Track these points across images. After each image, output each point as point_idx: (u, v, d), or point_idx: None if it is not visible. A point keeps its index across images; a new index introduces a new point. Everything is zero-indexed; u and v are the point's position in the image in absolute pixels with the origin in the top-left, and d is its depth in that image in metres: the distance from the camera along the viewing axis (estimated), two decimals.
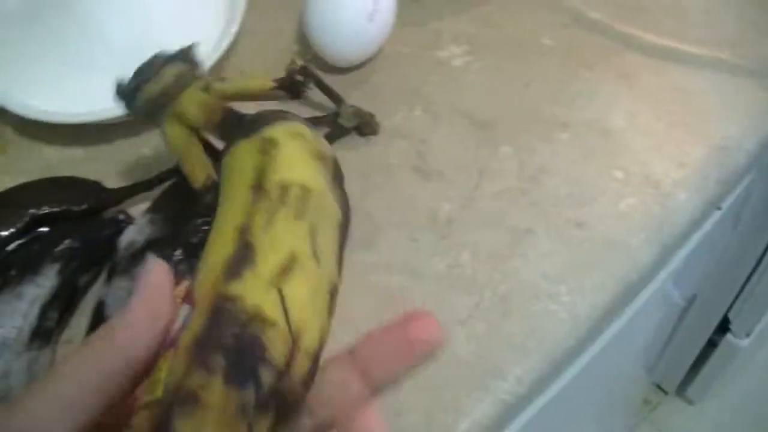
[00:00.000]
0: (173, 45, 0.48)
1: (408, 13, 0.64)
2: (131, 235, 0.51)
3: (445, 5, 0.66)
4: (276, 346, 0.29)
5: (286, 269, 0.31)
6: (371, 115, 0.58)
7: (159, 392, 0.29)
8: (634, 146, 0.58)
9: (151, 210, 0.53)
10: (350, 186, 0.55)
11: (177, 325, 0.31)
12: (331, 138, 0.57)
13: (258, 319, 0.29)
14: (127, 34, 0.62)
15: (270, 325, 0.29)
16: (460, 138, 0.58)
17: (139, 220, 0.52)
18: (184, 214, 0.52)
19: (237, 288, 0.30)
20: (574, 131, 0.59)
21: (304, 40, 0.63)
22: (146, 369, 0.31)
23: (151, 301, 0.31)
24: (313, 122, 0.57)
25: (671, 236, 0.55)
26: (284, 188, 0.34)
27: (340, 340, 0.48)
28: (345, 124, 0.58)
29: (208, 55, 0.60)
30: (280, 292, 0.30)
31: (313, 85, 0.58)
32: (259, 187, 0.35)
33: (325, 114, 0.59)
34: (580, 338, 0.51)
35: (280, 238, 0.33)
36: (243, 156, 0.37)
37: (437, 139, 0.58)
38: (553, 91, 0.61)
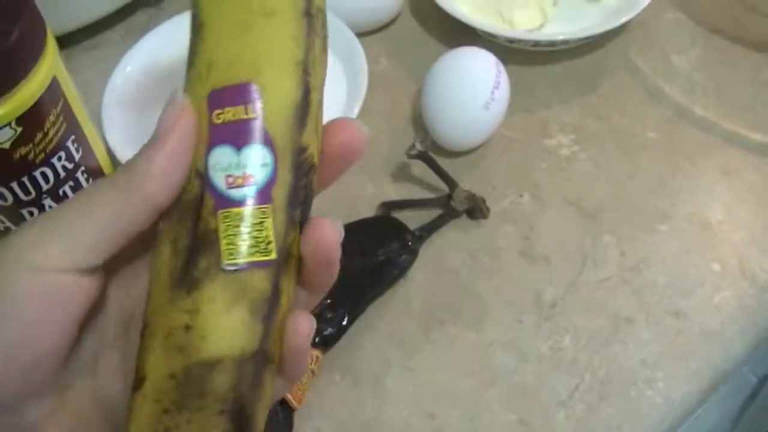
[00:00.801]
0: None
1: (519, 101, 0.68)
2: None
3: (553, 95, 0.70)
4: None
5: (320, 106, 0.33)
6: (482, 200, 0.62)
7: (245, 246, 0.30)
8: (731, 239, 0.61)
9: None
10: (460, 266, 0.59)
11: (255, 171, 0.31)
12: (443, 220, 0.61)
13: (314, 168, 0.32)
14: None
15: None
16: (565, 225, 0.62)
17: None
18: None
19: (305, 138, 0.31)
20: (674, 223, 0.62)
21: (418, 121, 0.68)
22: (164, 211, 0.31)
23: (178, 145, 0.31)
24: (427, 204, 0.61)
25: (765, 328, 0.57)
26: (322, 11, 0.33)
27: (447, 415, 0.52)
28: (457, 207, 0.61)
29: None
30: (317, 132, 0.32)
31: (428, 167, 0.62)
32: (308, 14, 0.32)
33: (439, 196, 0.63)
34: (673, 423, 0.54)
35: (322, 76, 0.33)
36: None
37: (543, 225, 0.62)
38: (656, 183, 0.64)
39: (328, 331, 0.55)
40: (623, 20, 0.70)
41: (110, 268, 0.33)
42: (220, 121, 0.31)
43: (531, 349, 0.56)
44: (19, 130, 0.48)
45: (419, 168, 0.64)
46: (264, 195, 0.30)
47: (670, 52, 0.73)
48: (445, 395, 0.54)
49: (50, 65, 0.50)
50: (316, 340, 0.54)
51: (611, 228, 0.62)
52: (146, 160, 0.30)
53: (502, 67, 0.65)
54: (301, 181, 0.31)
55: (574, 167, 0.65)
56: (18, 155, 0.49)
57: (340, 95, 0.68)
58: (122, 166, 0.31)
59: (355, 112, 0.65)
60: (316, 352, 0.54)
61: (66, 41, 0.75)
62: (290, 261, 0.31)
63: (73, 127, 0.53)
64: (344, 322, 0.56)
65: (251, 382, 0.30)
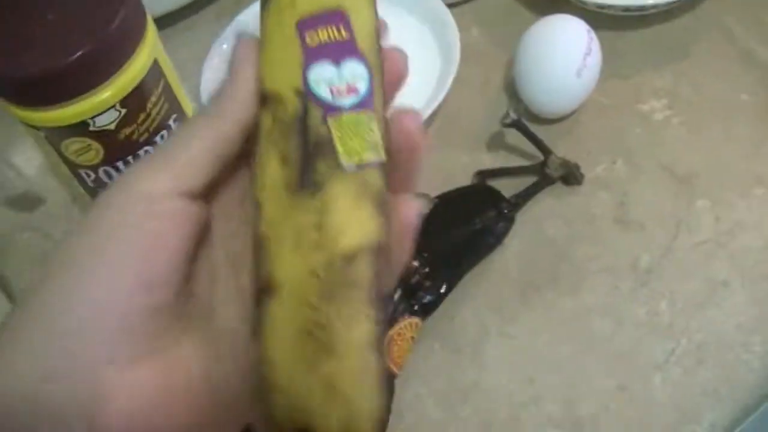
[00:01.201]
0: None
1: (611, 66, 0.68)
2: None
3: (645, 60, 0.71)
4: None
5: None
6: (576, 166, 0.63)
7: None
8: None
9: None
10: (556, 233, 0.61)
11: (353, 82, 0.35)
12: (538, 187, 0.62)
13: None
14: None
15: None
16: (659, 190, 0.62)
17: None
18: None
19: (382, 58, 0.36)
20: None
21: (511, 90, 0.69)
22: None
23: (251, 70, 0.36)
24: (522, 171, 0.63)
25: None
26: None
27: (545, 380, 0.54)
28: (552, 174, 0.63)
29: (427, 103, 0.66)
30: None
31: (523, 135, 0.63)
32: None
33: (533, 163, 0.64)
34: None
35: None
36: None
37: (637, 191, 0.63)
38: (750, 147, 0.64)
39: (427, 299, 0.57)
40: None
41: (213, 201, 0.36)
42: (315, 43, 0.35)
43: (628, 314, 0.57)
44: (123, 111, 0.51)
45: (513, 136, 0.65)
46: (368, 102, 0.34)
47: (762, 12, 0.73)
48: (543, 361, 0.56)
49: (150, 48, 0.53)
50: (415, 307, 0.56)
51: (705, 193, 0.62)
52: (229, 86, 0.35)
53: (593, 34, 0.66)
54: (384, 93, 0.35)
55: (668, 132, 0.66)
56: (123, 135, 0.52)
57: (434, 67, 0.70)
58: (210, 98, 0.35)
59: (449, 83, 0.67)
60: (415, 320, 0.56)
61: (162, 23, 0.77)
62: (389, 160, 0.34)
63: (174, 106, 0.56)
64: (443, 290, 0.58)
65: (386, 269, 0.33)
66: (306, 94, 0.34)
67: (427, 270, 0.58)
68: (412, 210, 0.35)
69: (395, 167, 0.35)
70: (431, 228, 0.59)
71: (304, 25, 0.35)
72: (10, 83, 0.50)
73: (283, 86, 0.35)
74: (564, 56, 0.64)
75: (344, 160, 0.33)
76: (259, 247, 0.33)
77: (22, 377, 0.31)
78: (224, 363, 0.35)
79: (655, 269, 0.59)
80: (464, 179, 0.65)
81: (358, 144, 0.33)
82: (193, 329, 0.35)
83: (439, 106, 0.67)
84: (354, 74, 0.34)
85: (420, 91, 0.68)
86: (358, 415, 0.31)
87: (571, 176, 0.63)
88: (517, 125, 0.63)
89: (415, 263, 0.58)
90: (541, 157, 0.64)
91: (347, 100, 0.34)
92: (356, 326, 0.31)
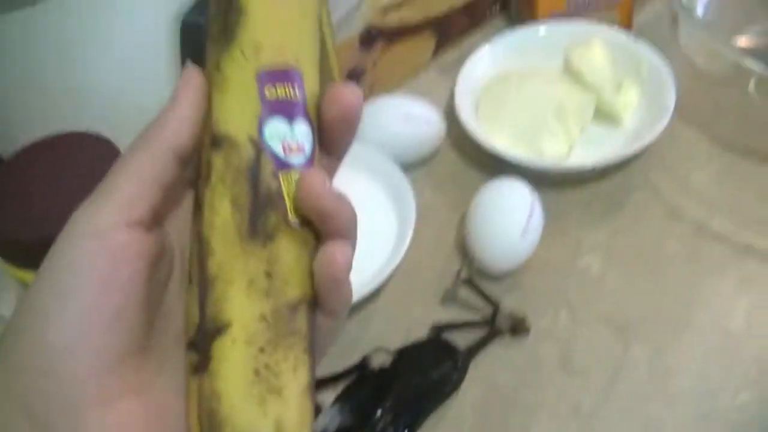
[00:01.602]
0: None
1: (553, 224, 0.75)
2: (323, 423, 0.63)
3: (583, 218, 0.78)
4: None
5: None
6: (523, 319, 0.69)
7: None
8: (751, 344, 0.67)
9: (339, 400, 0.65)
10: (505, 381, 0.66)
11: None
12: (488, 339, 0.68)
13: None
14: None
15: None
16: (599, 338, 0.69)
17: (328, 409, 0.64)
18: (367, 405, 0.63)
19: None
20: (698, 332, 0.68)
21: (463, 248, 0.76)
22: (190, 160, 0.37)
23: (191, 96, 0.36)
24: (474, 324, 0.69)
25: None
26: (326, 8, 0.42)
27: None
28: (501, 327, 0.69)
29: (386, 262, 0.73)
30: None
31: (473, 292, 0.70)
32: (320, 20, 0.41)
33: (484, 317, 0.70)
34: None
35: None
36: None
37: (579, 339, 0.69)
38: (680, 295, 0.71)
39: None
40: (644, 144, 0.78)
41: (168, 227, 0.37)
42: (272, 97, 0.37)
43: None
44: None
45: (465, 291, 0.71)
46: (312, 162, 0.37)
47: (688, 170, 0.81)
48: None
49: None
50: None
51: (641, 339, 0.68)
52: (164, 113, 0.37)
53: (536, 196, 0.73)
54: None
55: (605, 284, 0.73)
56: None
57: (391, 228, 0.77)
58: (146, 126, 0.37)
59: (406, 242, 0.73)
60: None
61: None
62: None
63: None
64: None
65: (314, 322, 0.37)
66: (260, 145, 0.36)
67: (390, 417, 0.63)
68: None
69: (331, 130, 0.38)
70: (393, 379, 0.65)
71: (264, 77, 0.37)
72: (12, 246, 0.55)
73: (239, 132, 0.36)
74: (509, 219, 0.71)
75: (291, 216, 0.36)
76: (205, 285, 0.35)
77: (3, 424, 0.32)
78: None
79: (596, 412, 0.64)
80: (421, 332, 0.70)
81: None
82: (165, 361, 0.36)
83: (398, 264, 0.73)
84: (302, 134, 0.37)
85: (379, 251, 0.75)
86: None
87: (518, 328, 0.69)
88: (468, 283, 0.69)
89: (379, 411, 0.63)
90: (490, 310, 0.70)
91: (296, 159, 0.37)
92: (300, 372, 0.35)
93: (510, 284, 0.73)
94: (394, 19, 0.87)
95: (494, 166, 0.81)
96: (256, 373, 0.34)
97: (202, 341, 0.35)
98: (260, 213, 0.36)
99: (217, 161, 0.36)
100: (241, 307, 0.35)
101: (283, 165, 0.37)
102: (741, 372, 0.66)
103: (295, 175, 0.36)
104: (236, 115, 0.37)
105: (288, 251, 0.36)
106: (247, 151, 0.36)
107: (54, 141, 0.62)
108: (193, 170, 0.38)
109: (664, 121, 0.79)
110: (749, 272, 0.72)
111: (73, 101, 0.77)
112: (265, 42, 0.38)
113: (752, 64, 0.76)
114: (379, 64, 0.88)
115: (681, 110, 0.83)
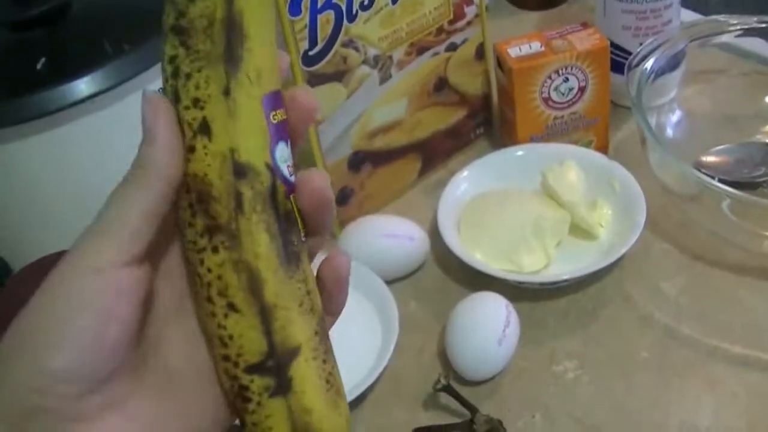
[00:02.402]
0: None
1: (529, 333, 0.79)
2: None
3: (559, 326, 0.82)
4: None
5: None
6: (500, 422, 0.73)
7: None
8: None
9: None
10: None
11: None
12: None
13: None
14: None
15: None
16: None
17: None
18: None
19: None
20: (667, 431, 0.72)
21: (443, 357, 0.80)
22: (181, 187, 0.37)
23: (166, 124, 0.37)
24: (453, 428, 0.72)
25: None
26: None
27: None
28: (478, 430, 0.72)
29: (371, 369, 0.77)
30: None
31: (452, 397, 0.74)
32: None
33: (462, 421, 0.74)
34: None
35: None
36: None
37: None
38: (650, 397, 0.74)
39: None
40: (616, 257, 0.83)
41: (153, 264, 0.39)
42: (276, 121, 0.39)
43: None
44: None
45: (445, 397, 0.75)
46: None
47: (658, 279, 0.85)
48: None
49: None
50: None
51: None
52: (146, 147, 0.37)
53: (512, 308, 0.77)
54: None
55: (578, 389, 0.76)
56: None
57: (376, 338, 0.81)
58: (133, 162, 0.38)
59: (390, 350, 0.78)
60: None
61: None
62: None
63: None
64: None
65: None
66: (274, 171, 0.38)
67: None
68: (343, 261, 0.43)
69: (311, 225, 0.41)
70: None
71: (266, 102, 0.39)
72: None
73: (257, 160, 0.38)
74: (486, 329, 0.76)
75: (303, 234, 0.41)
76: (266, 313, 0.38)
77: None
78: (177, 403, 0.40)
79: None
80: None
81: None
82: (147, 378, 0.39)
83: (382, 371, 0.77)
84: (291, 153, 0.40)
85: (365, 359, 0.79)
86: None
87: (495, 431, 0.73)
88: (446, 389, 0.73)
89: None
90: (469, 415, 0.73)
91: (294, 178, 0.40)
92: (338, 370, 0.42)
93: (488, 390, 0.77)
94: (380, 143, 0.93)
95: (476, 280, 0.85)
96: (327, 382, 0.41)
97: (277, 365, 0.39)
98: (288, 237, 0.39)
99: (246, 191, 0.37)
100: (303, 329, 0.40)
101: (291, 186, 0.40)
102: None
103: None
104: (252, 142, 0.38)
105: (309, 266, 0.41)
106: (267, 178, 0.38)
107: (49, 261, 0.66)
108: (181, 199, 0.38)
109: (635, 236, 0.83)
110: (716, 374, 0.76)
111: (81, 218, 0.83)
112: (264, 67, 0.39)
113: (720, 187, 0.81)
114: (367, 184, 0.94)
115: (653, 223, 0.88)
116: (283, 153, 0.39)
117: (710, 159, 0.95)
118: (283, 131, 0.40)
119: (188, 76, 0.37)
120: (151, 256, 0.38)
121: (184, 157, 0.37)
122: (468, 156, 1.00)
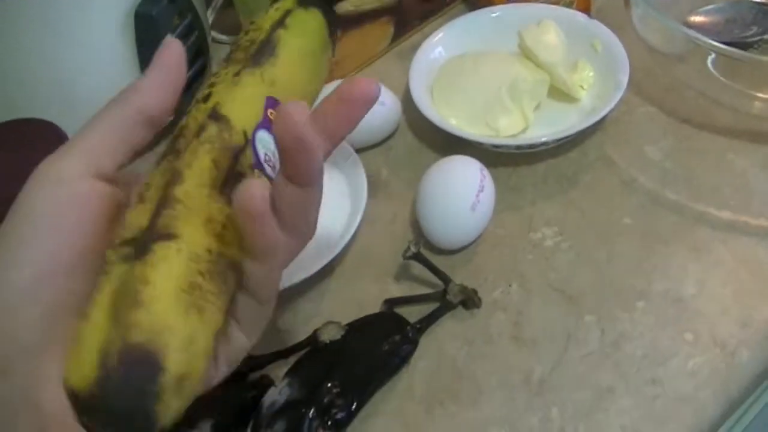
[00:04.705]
0: None
1: (506, 200, 0.75)
2: (273, 396, 0.62)
3: (537, 192, 0.78)
4: None
5: None
6: (474, 292, 0.69)
7: None
8: (703, 311, 0.67)
9: (289, 374, 0.64)
10: (457, 353, 0.66)
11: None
12: (440, 312, 0.68)
13: None
14: None
15: None
16: (550, 309, 0.68)
17: (279, 383, 0.64)
18: (317, 378, 0.63)
19: None
20: (650, 300, 0.68)
21: (416, 226, 0.75)
22: (160, 125, 0.41)
23: (166, 70, 0.40)
24: (425, 298, 0.68)
25: (737, 391, 0.63)
26: None
27: None
28: (452, 300, 0.68)
29: (336, 241, 0.72)
30: None
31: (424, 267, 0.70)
32: None
33: (434, 291, 0.70)
34: None
35: None
36: None
37: (531, 311, 0.69)
38: (632, 265, 0.71)
39: (339, 415, 0.62)
40: (597, 118, 0.78)
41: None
42: (271, 116, 0.44)
43: (522, 422, 0.62)
44: None
45: (418, 267, 0.71)
46: (275, 173, 0.43)
47: (643, 143, 0.81)
48: None
49: None
50: (329, 423, 0.61)
51: (592, 309, 0.68)
52: (139, 80, 0.39)
53: (486, 172, 0.73)
54: None
55: (558, 256, 0.72)
56: None
57: (345, 205, 0.77)
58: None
59: (358, 220, 0.73)
60: None
61: None
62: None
63: None
64: (353, 408, 0.62)
65: (236, 307, 0.43)
66: (249, 141, 0.42)
67: (339, 389, 0.63)
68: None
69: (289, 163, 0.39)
70: (343, 351, 0.65)
71: (270, 102, 0.45)
72: None
73: (237, 122, 0.42)
74: (458, 194, 0.71)
75: None
76: (165, 203, 0.38)
77: None
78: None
79: (548, 380, 0.64)
80: (374, 307, 0.70)
81: None
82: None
83: (351, 242, 0.73)
84: (277, 157, 0.41)
85: (332, 229, 0.74)
86: None
87: (469, 301, 0.69)
88: (416, 257, 0.69)
89: (329, 384, 0.63)
90: (442, 285, 0.70)
91: (268, 169, 0.44)
92: (216, 318, 0.40)
93: (462, 258, 0.73)
94: (349, 5, 0.87)
95: (450, 146, 0.81)
96: (191, 286, 0.36)
97: (146, 240, 0.37)
98: (232, 183, 0.40)
99: (212, 128, 0.41)
100: (194, 232, 0.38)
101: (259, 165, 0.43)
102: (692, 338, 0.65)
103: (263, 176, 0.43)
104: (241, 109, 0.43)
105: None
106: (238, 138, 0.42)
107: (3, 128, 0.62)
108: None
109: (618, 95, 0.78)
110: (701, 240, 0.72)
111: (26, 90, 0.78)
112: (281, 82, 0.46)
113: (708, 43, 0.75)
114: (336, 49, 0.88)
115: (637, 86, 0.84)
116: (265, 141, 0.43)
117: (699, 19, 0.90)
118: (270, 126, 0.43)
119: (216, 74, 0.46)
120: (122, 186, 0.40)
121: (171, 97, 0.41)
122: (444, 21, 0.94)
